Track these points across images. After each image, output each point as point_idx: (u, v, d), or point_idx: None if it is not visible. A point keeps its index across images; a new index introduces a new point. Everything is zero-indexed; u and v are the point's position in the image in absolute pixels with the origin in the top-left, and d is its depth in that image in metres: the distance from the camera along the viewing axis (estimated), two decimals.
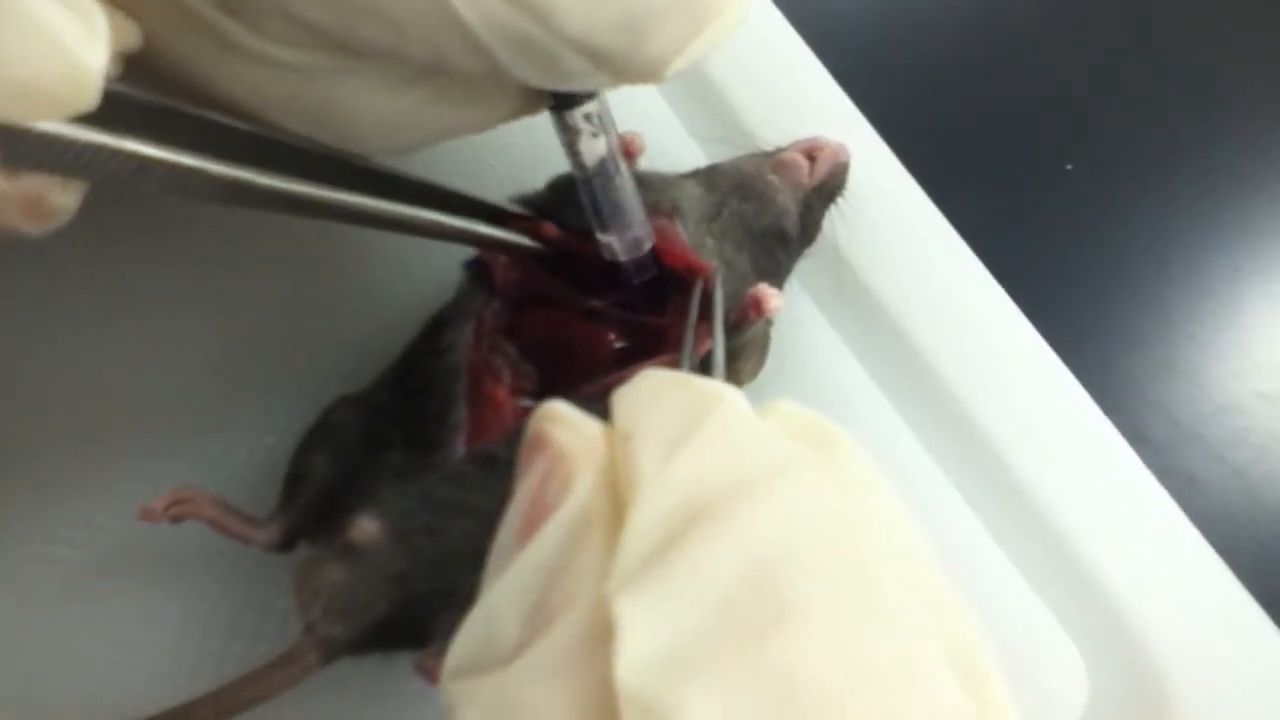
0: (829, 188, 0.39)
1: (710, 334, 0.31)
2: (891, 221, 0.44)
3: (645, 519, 0.17)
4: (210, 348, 0.40)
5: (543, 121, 0.29)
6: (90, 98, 0.16)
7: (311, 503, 0.34)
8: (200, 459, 0.39)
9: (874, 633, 0.16)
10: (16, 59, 0.15)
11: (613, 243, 0.32)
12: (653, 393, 0.19)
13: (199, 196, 0.21)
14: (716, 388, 0.20)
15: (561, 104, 0.28)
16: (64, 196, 0.19)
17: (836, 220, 0.40)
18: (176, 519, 0.34)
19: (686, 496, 0.17)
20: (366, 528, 0.31)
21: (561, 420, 0.20)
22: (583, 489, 0.18)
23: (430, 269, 0.36)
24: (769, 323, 0.36)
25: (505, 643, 0.17)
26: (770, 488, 0.17)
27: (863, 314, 0.44)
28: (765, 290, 0.33)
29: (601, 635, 0.16)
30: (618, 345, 0.34)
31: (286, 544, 0.34)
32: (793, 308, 0.43)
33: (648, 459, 0.18)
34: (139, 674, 0.37)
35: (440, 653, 0.29)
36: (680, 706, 0.14)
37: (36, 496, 0.38)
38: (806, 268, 0.41)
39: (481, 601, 0.18)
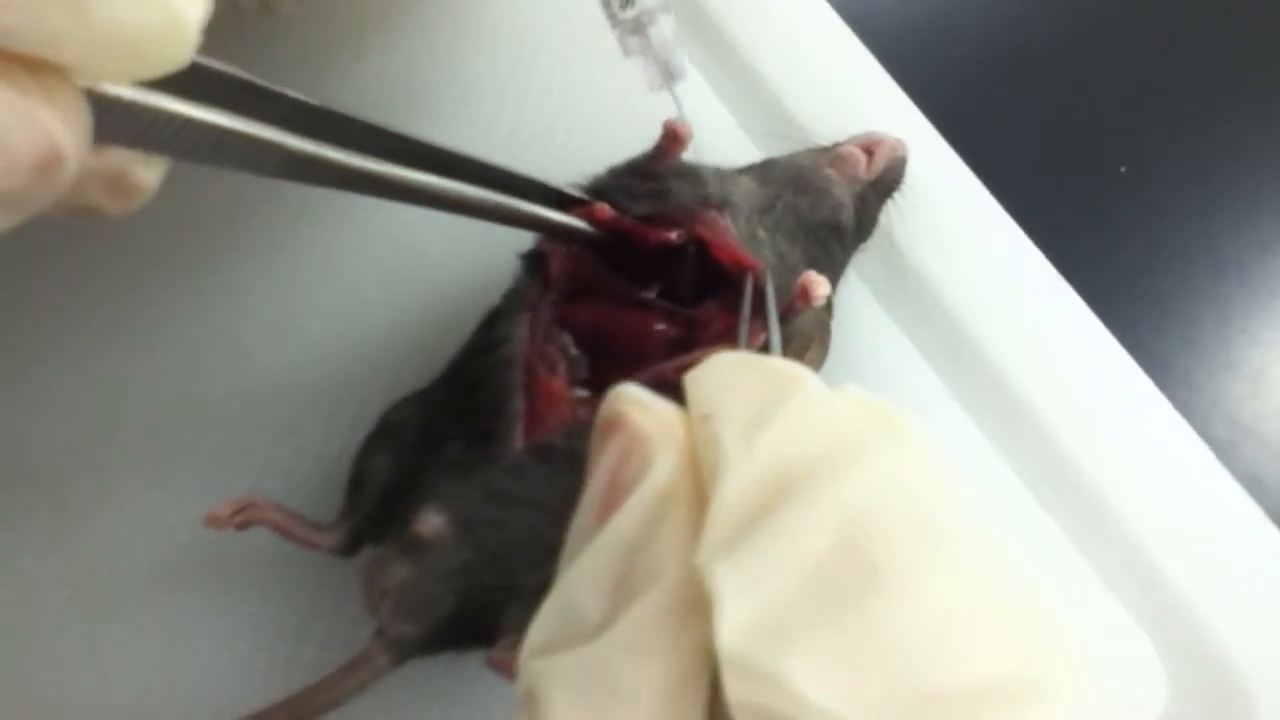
0: (886, 182, 0.39)
1: (763, 328, 0.31)
2: (951, 215, 0.43)
3: (733, 493, 0.17)
4: (276, 357, 0.40)
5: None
6: (184, 54, 0.16)
7: (375, 504, 0.34)
8: (268, 467, 0.39)
9: (959, 593, 0.16)
10: (115, 8, 0.15)
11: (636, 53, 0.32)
12: (729, 374, 0.19)
13: (273, 173, 0.22)
14: (792, 368, 0.20)
15: None
16: (146, 173, 0.19)
17: (895, 215, 0.40)
18: (242, 526, 0.34)
19: (772, 471, 0.17)
20: (431, 521, 0.31)
21: (637, 401, 0.20)
22: (664, 467, 0.18)
23: (489, 275, 0.36)
24: (829, 315, 0.36)
25: (588, 620, 0.17)
26: (853, 461, 0.17)
27: (925, 308, 0.43)
28: (812, 278, 0.32)
29: (689, 606, 0.16)
30: (665, 336, 0.34)
31: (351, 548, 0.35)
32: (854, 302, 0.43)
33: (730, 437, 0.18)
34: (211, 681, 0.37)
35: (514, 645, 0.29)
36: (786, 670, 0.14)
37: (106, 506, 0.38)
38: (867, 262, 0.41)
39: (561, 581, 0.18)
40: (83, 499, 0.38)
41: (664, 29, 0.32)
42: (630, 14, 0.31)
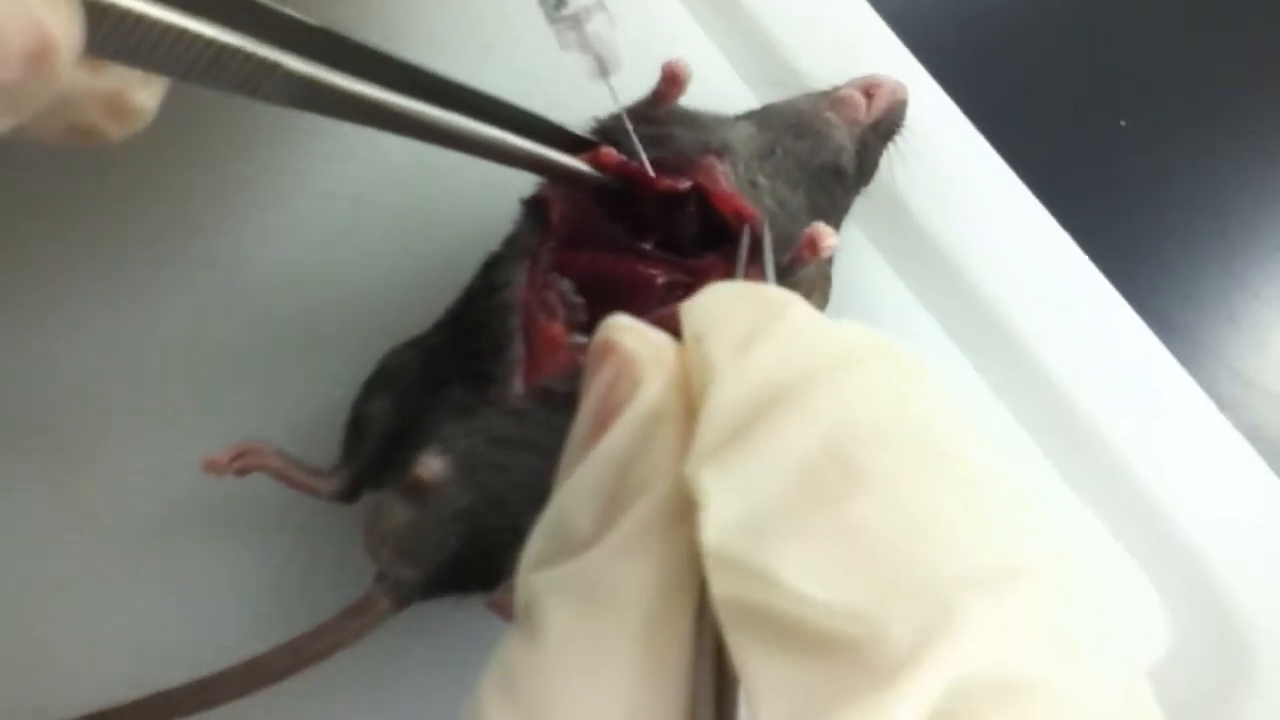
0: (886, 125, 0.38)
1: (760, 275, 0.31)
2: (949, 162, 0.43)
3: (722, 404, 0.17)
4: (276, 301, 0.40)
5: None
6: None
7: (374, 449, 0.34)
8: (268, 412, 0.39)
9: (947, 493, 0.16)
10: None
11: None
12: (722, 299, 0.20)
13: (272, 96, 0.21)
14: (784, 293, 0.20)
15: None
16: (144, 94, 0.19)
17: (895, 161, 0.40)
18: (242, 471, 0.34)
19: (763, 383, 0.17)
20: (432, 465, 0.31)
21: (628, 328, 0.20)
22: (654, 387, 0.18)
23: (489, 219, 0.36)
24: (829, 262, 0.36)
25: (580, 534, 0.17)
26: (845, 373, 0.17)
27: (926, 258, 0.43)
28: (820, 229, 0.32)
29: (679, 514, 0.16)
30: (665, 285, 0.34)
31: (351, 493, 0.35)
32: (854, 251, 0.43)
33: (721, 354, 0.18)
34: (214, 626, 0.37)
35: (512, 589, 0.29)
36: (770, 562, 0.15)
37: (107, 452, 0.38)
38: (865, 209, 0.41)
39: (555, 500, 0.19)
40: (83, 445, 0.38)
41: (601, 24, 0.32)
42: (566, 12, 0.32)
